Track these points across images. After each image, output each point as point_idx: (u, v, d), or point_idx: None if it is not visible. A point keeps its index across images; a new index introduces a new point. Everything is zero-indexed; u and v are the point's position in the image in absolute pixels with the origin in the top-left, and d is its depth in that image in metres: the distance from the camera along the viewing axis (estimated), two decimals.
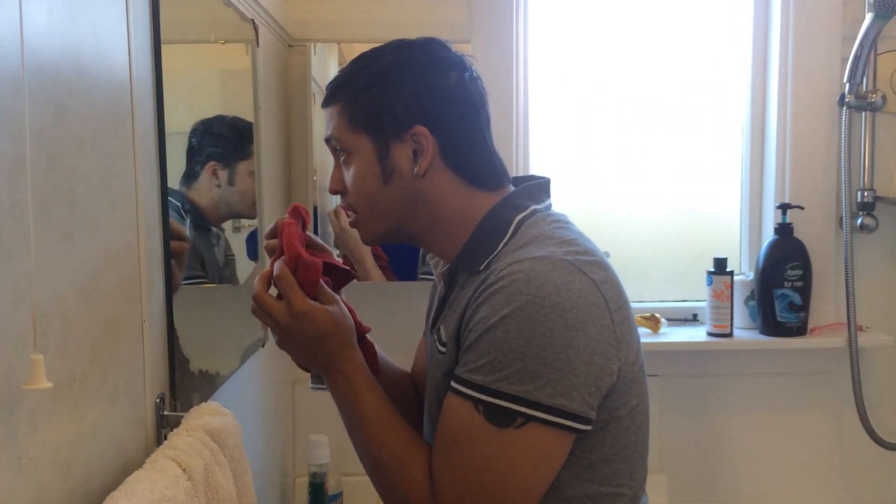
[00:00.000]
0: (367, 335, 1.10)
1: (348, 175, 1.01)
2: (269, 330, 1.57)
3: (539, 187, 1.04)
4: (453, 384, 0.91)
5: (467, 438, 0.88)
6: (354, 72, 1.00)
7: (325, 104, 1.02)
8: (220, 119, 1.37)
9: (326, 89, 1.03)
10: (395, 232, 1.02)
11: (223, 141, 1.34)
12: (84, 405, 0.78)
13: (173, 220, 1.04)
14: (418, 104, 0.96)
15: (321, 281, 0.99)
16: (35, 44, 0.69)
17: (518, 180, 1.06)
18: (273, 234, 1.05)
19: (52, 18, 0.72)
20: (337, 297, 1.00)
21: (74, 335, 0.76)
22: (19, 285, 0.65)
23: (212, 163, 1.25)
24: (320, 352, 0.99)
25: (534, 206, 0.99)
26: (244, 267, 1.46)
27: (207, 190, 1.24)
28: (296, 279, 0.97)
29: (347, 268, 1.08)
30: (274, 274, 0.98)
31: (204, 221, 1.23)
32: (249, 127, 1.47)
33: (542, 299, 0.85)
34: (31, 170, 0.67)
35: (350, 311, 1.03)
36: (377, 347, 1.12)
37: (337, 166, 1.04)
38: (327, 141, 1.03)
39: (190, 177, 1.17)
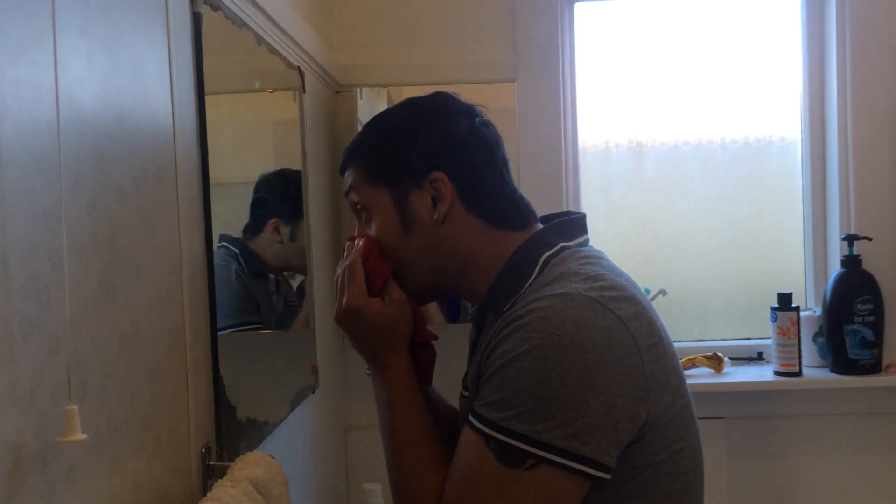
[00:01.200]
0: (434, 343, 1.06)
1: (371, 232, 1.01)
2: (318, 375, 1.56)
3: (571, 223, 1.01)
4: (469, 416, 0.89)
5: (477, 474, 0.86)
6: (367, 133, 1.03)
7: (342, 170, 1.05)
8: (283, 174, 1.38)
9: (343, 155, 1.05)
10: (434, 286, 1.02)
11: (287, 197, 1.36)
12: (125, 456, 0.77)
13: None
14: (432, 151, 0.98)
15: (390, 277, 0.99)
16: (74, 91, 0.69)
17: (549, 217, 1.04)
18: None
19: (91, 66, 0.72)
20: (405, 296, 0.99)
21: (115, 384, 0.75)
22: (56, 334, 0.64)
23: (275, 219, 1.26)
24: (366, 348, 1.00)
25: (563, 244, 0.97)
26: (292, 311, 1.45)
27: (269, 244, 1.25)
28: (366, 270, 0.99)
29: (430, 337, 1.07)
30: (346, 262, 1.00)
31: (264, 269, 1.24)
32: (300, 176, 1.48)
33: (560, 337, 0.83)
34: (66, 217, 0.66)
35: (419, 316, 1.01)
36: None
37: (360, 227, 1.04)
38: (350, 203, 1.04)
39: (253, 229, 1.19)
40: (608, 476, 0.84)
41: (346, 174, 1.04)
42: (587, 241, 1.01)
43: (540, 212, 1.07)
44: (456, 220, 0.97)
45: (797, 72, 1.92)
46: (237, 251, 1.08)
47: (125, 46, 0.79)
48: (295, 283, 1.45)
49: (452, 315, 1.82)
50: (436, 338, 1.03)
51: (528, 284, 0.92)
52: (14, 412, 0.59)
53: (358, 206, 1.02)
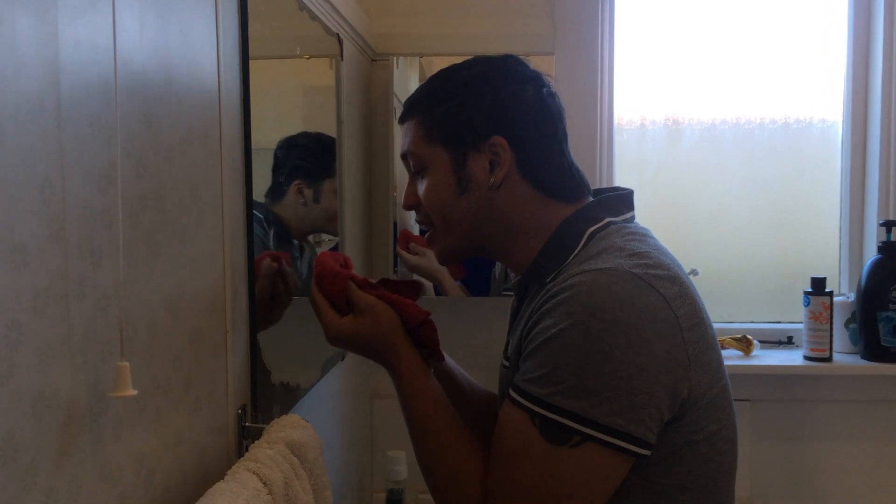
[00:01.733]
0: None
1: (422, 188, 1.01)
2: None
3: (619, 199, 1.01)
4: (511, 392, 0.89)
5: (523, 452, 0.86)
6: (433, 87, 1.01)
7: (402, 119, 1.04)
8: (304, 136, 1.38)
9: (404, 105, 1.04)
10: (470, 245, 1.02)
11: (309, 158, 1.35)
12: (168, 413, 0.78)
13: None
14: (497, 115, 0.97)
15: (350, 288, 0.99)
16: (126, 52, 0.69)
17: (599, 192, 1.03)
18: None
19: (143, 27, 0.73)
20: (372, 299, 0.99)
21: (160, 343, 0.76)
22: (108, 293, 0.66)
23: (298, 181, 1.25)
24: (366, 356, 1.02)
25: (609, 219, 0.97)
26: None
27: (293, 207, 1.25)
28: (325, 295, 1.00)
29: (411, 280, 1.06)
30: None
31: (287, 235, 1.24)
32: (333, 143, 1.48)
33: (604, 313, 0.83)
34: (122, 178, 0.67)
35: (403, 303, 1.00)
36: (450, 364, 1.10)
37: (411, 182, 1.04)
38: (403, 156, 1.04)
39: (276, 193, 1.18)
40: (649, 453, 0.84)
41: (405, 126, 1.03)
42: (633, 217, 1.01)
43: None
44: (510, 186, 0.97)
45: (841, 53, 1.88)
46: (261, 216, 1.08)
47: (174, 9, 0.80)
48: (320, 249, 1.45)
49: (476, 289, 1.82)
50: (428, 314, 1.01)
51: (571, 257, 0.92)
52: (68, 367, 0.61)
53: (412, 164, 1.02)
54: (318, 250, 1.45)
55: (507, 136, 0.96)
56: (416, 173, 1.02)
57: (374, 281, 1.04)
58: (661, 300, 0.85)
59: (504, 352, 1.04)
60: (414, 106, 1.02)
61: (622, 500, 0.87)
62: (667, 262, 0.90)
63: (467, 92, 0.98)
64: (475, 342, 1.79)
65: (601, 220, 0.96)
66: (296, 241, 1.30)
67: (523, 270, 0.99)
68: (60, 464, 0.60)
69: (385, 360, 0.99)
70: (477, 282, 1.82)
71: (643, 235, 0.95)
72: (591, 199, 1.01)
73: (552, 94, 1.01)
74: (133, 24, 0.71)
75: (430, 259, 1.75)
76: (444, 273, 1.77)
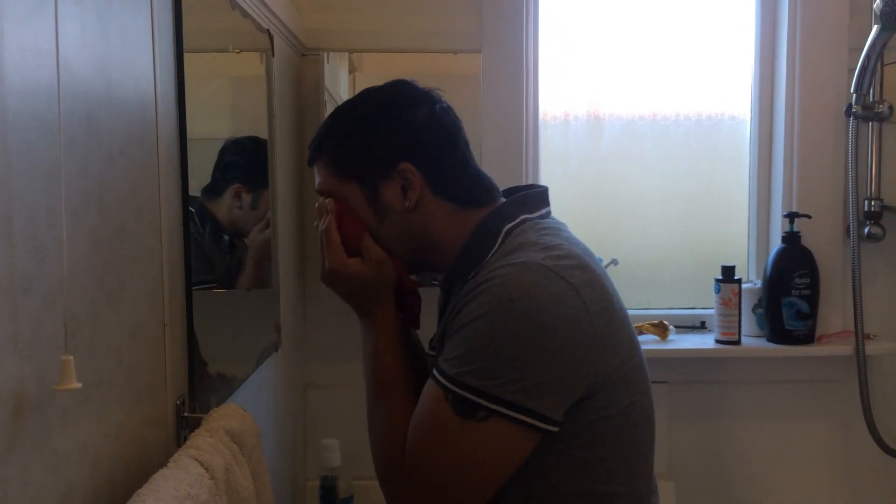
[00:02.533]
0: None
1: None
2: (281, 335, 1.61)
3: (534, 196, 1.08)
4: (434, 371, 0.96)
5: (436, 423, 0.94)
6: (332, 126, 1.08)
7: (311, 162, 1.10)
8: (253, 141, 1.39)
9: (309, 148, 1.10)
10: (412, 264, 1.09)
11: (253, 165, 1.36)
12: (110, 405, 0.81)
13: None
14: (397, 142, 1.04)
15: (366, 235, 1.05)
16: (69, 56, 0.71)
17: (515, 190, 1.11)
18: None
19: (84, 32, 0.75)
20: (383, 253, 1.06)
21: (103, 338, 0.79)
22: (53, 289, 0.68)
23: (238, 185, 1.27)
24: (354, 303, 1.08)
25: (524, 216, 1.04)
26: (251, 270, 1.46)
27: (228, 208, 1.26)
28: (340, 232, 1.06)
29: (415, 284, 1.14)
30: (321, 227, 1.08)
31: (219, 230, 1.26)
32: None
33: (513, 303, 0.90)
34: (65, 178, 0.69)
35: (401, 268, 1.08)
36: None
37: None
38: (319, 193, 1.10)
39: (214, 191, 1.20)
40: (555, 429, 0.91)
41: (316, 168, 1.09)
42: (549, 213, 1.07)
43: (502, 181, 1.13)
44: (425, 204, 1.04)
45: (750, 53, 2.00)
46: (192, 210, 1.10)
47: (113, 12, 0.82)
48: (252, 247, 1.46)
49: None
50: (419, 285, 1.10)
51: (490, 254, 0.99)
52: (16, 361, 0.63)
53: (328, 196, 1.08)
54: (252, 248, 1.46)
55: (412, 160, 1.03)
56: None
57: None
58: (569, 288, 0.92)
59: (430, 341, 1.10)
60: (318, 148, 1.08)
61: (545, 474, 0.94)
62: (577, 252, 0.98)
63: (365, 125, 1.05)
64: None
65: (516, 218, 1.03)
66: (226, 237, 1.31)
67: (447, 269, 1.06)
68: (10, 455, 0.62)
69: (370, 311, 1.06)
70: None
71: (556, 229, 1.03)
72: (502, 199, 1.08)
73: (445, 109, 1.08)
74: (75, 28, 0.73)
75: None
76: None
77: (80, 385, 0.66)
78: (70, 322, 0.71)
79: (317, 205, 1.12)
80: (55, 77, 0.67)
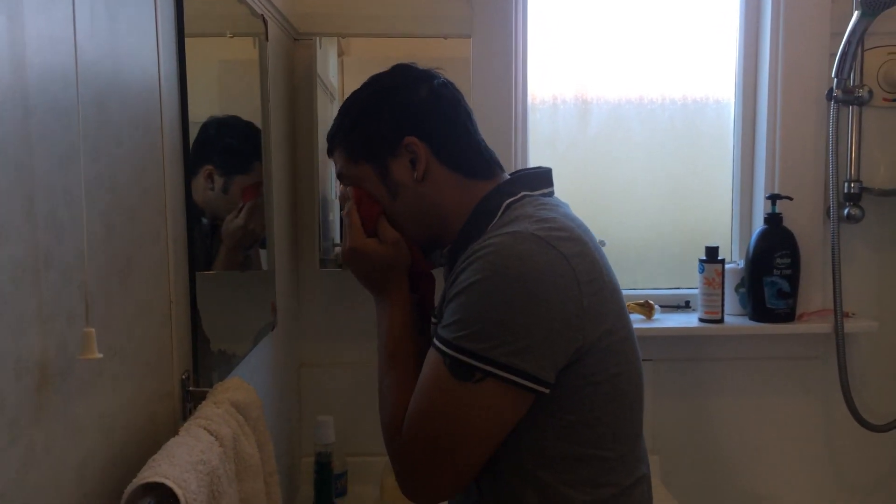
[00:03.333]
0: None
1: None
2: (276, 314, 1.64)
3: (537, 176, 1.13)
4: (434, 339, 1.02)
5: (435, 385, 0.99)
6: (342, 117, 1.16)
7: (329, 154, 1.18)
8: (234, 122, 1.37)
9: (326, 140, 1.18)
10: (424, 240, 1.15)
11: (230, 148, 1.34)
12: (123, 378, 0.84)
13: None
14: (401, 119, 1.10)
15: (382, 218, 1.12)
16: (81, 43, 0.74)
17: (519, 171, 1.16)
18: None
19: (94, 18, 0.78)
20: (398, 234, 1.13)
21: (115, 313, 0.82)
22: (71, 265, 0.72)
23: (210, 166, 1.25)
24: (369, 281, 1.15)
25: (525, 192, 1.09)
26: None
27: (200, 189, 1.24)
28: (360, 214, 1.13)
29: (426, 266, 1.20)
30: (343, 211, 1.16)
31: (197, 212, 1.23)
32: (258, 139, 1.49)
33: (507, 269, 0.95)
34: (83, 159, 0.72)
35: (416, 251, 1.15)
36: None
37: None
38: (339, 178, 1.18)
39: (189, 172, 1.19)
40: (546, 390, 0.96)
41: (334, 158, 1.17)
42: (552, 192, 1.13)
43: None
44: (434, 175, 1.09)
45: (734, 37, 2.04)
46: None
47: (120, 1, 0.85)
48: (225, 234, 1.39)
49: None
50: (433, 267, 1.16)
51: (490, 226, 1.05)
52: (40, 333, 0.67)
53: (347, 183, 1.16)
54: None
55: (416, 134, 1.09)
56: None
57: None
58: (560, 258, 0.96)
59: (432, 311, 1.16)
60: (333, 138, 1.16)
61: (535, 436, 0.99)
62: (571, 225, 1.02)
63: (370, 110, 1.12)
64: None
65: (517, 194, 1.08)
66: (204, 220, 1.29)
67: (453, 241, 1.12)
68: (37, 422, 0.66)
69: (385, 289, 1.13)
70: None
71: (554, 206, 1.07)
72: (506, 175, 1.13)
73: (445, 84, 1.14)
74: (85, 15, 0.76)
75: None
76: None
77: (101, 355, 0.69)
78: (90, 295, 0.74)
79: (339, 193, 1.19)
80: (72, 64, 0.70)
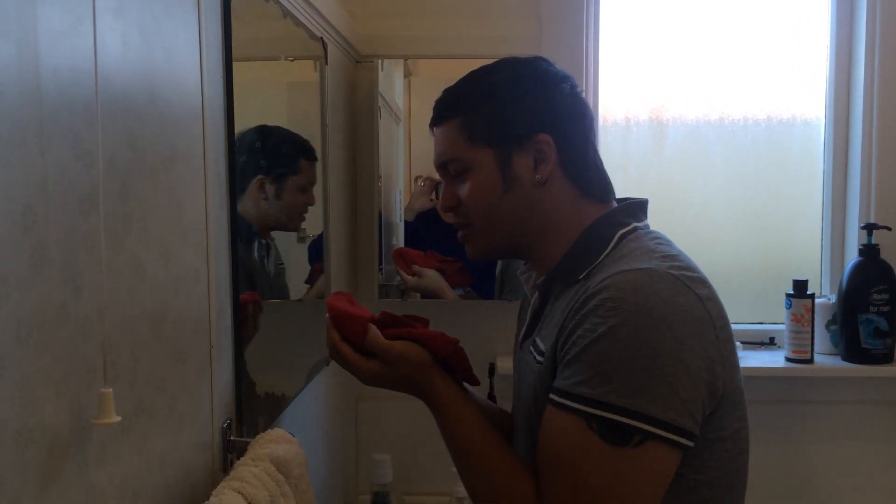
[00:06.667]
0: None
1: (465, 189, 1.01)
2: None
3: (639, 206, 1.04)
4: (557, 398, 0.87)
5: (583, 459, 0.85)
6: (469, 89, 1.02)
7: (439, 122, 1.03)
8: (263, 129, 1.34)
9: (437, 107, 1.04)
10: (506, 244, 1.03)
11: (269, 153, 1.31)
12: (152, 435, 0.78)
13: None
14: (540, 113, 0.99)
15: (374, 339, 0.98)
16: (109, 74, 0.68)
17: (619, 200, 1.06)
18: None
19: (126, 47, 0.72)
20: (396, 348, 0.98)
21: (144, 365, 0.76)
22: (90, 318, 0.65)
23: (260, 176, 1.22)
24: (404, 392, 1.01)
25: (635, 223, 0.99)
26: (298, 277, 1.42)
27: (255, 203, 1.21)
28: (346, 335, 0.99)
29: (419, 317, 1.06)
30: (328, 343, 1.02)
31: (250, 233, 1.20)
32: (295, 138, 1.43)
33: (650, 310, 0.84)
34: (104, 201, 0.66)
35: (429, 336, 0.99)
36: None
37: (448, 185, 1.05)
38: (442, 164, 1.04)
39: (237, 189, 1.15)
40: (692, 444, 0.86)
41: (441, 130, 1.03)
42: (648, 225, 1.03)
43: None
44: (553, 183, 0.99)
45: (824, 52, 1.89)
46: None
47: (158, 26, 0.79)
48: (283, 248, 1.39)
49: (483, 293, 1.82)
50: (456, 341, 1.00)
51: (602, 257, 0.94)
52: (52, 395, 0.60)
53: (450, 164, 1.02)
54: (301, 245, 1.42)
55: (552, 133, 0.98)
56: (457, 176, 1.02)
57: (396, 315, 1.04)
58: (696, 300, 0.87)
59: (526, 345, 1.03)
60: (450, 109, 1.02)
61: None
62: (694, 265, 0.93)
63: (507, 91, 0.99)
64: (480, 347, 1.77)
65: (629, 225, 0.98)
66: (263, 241, 1.26)
67: (549, 270, 1.00)
68: (45, 494, 0.59)
69: (422, 394, 0.99)
70: (483, 286, 1.83)
71: (667, 241, 0.98)
72: (615, 203, 1.03)
73: (579, 93, 1.04)
74: (116, 44, 0.70)
75: (431, 279, 1.76)
76: (445, 290, 1.79)
77: (119, 419, 0.63)
78: (110, 351, 0.68)
79: (440, 191, 1.07)
80: (94, 96, 0.63)
